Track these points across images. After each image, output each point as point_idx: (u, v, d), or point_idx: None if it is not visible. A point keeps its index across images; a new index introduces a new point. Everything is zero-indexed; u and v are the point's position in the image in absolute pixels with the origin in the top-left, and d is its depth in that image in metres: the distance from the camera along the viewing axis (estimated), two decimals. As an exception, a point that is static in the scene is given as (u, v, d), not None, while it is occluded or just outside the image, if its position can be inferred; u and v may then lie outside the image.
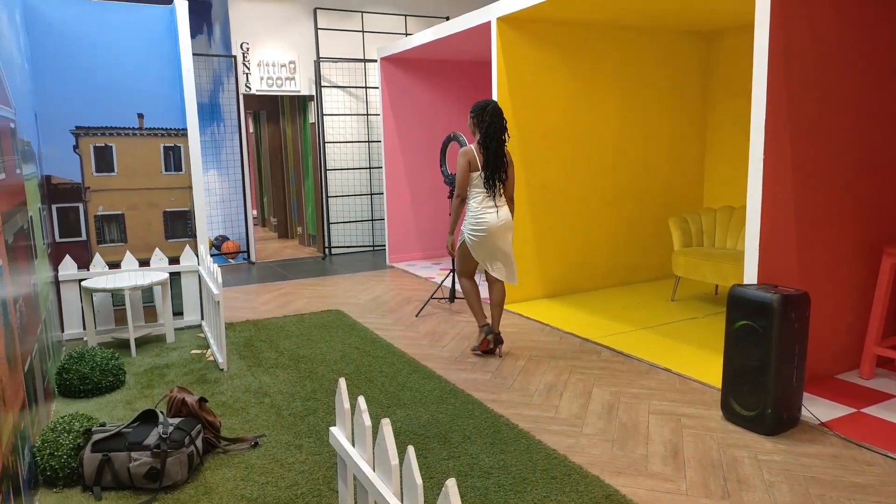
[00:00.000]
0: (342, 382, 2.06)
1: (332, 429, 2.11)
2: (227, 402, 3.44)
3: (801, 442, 2.91)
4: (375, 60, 7.76)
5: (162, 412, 2.77)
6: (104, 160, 4.70)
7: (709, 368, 3.81)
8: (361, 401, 1.86)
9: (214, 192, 7.98)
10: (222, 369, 3.92)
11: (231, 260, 7.84)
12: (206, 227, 4.95)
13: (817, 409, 3.19)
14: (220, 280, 3.88)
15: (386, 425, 1.69)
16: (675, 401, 3.40)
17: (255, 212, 11.23)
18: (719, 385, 3.54)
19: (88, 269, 4.60)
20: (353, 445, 1.97)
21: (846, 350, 3.68)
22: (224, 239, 7.92)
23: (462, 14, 5.69)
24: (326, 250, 8.11)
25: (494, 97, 5.25)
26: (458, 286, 5.69)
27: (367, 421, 1.84)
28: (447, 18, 8.39)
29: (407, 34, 8.25)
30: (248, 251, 7.85)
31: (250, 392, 3.58)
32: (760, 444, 2.90)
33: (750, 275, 3.28)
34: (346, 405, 2.05)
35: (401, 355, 4.18)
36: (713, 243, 5.44)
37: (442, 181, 5.34)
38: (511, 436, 3.00)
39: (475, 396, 3.49)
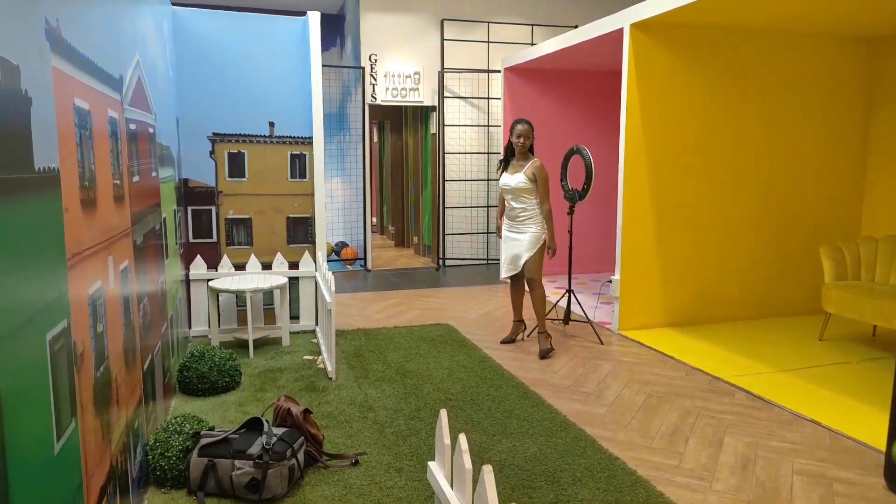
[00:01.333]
0: (443, 415, 1.90)
1: (431, 464, 1.95)
2: (333, 414, 3.41)
3: None
4: (499, 71, 7.64)
5: (267, 421, 2.76)
6: (237, 166, 4.92)
7: (866, 424, 3.28)
8: (463, 440, 1.69)
9: (337, 199, 8.21)
10: (331, 378, 3.92)
11: (349, 266, 8.02)
12: (324, 234, 5.04)
13: None
14: (333, 288, 3.88)
15: (488, 473, 1.51)
16: (824, 460, 2.94)
17: (374, 220, 11.50)
18: (880, 445, 3.02)
19: (217, 270, 4.82)
20: (452, 487, 1.80)
21: None
22: (344, 245, 8.12)
23: (591, 22, 5.42)
24: (440, 261, 8.08)
25: (623, 108, 4.93)
26: (573, 307, 5.40)
27: (468, 463, 1.67)
28: (575, 27, 8.12)
29: (533, 44, 8.06)
30: (364, 258, 7.99)
31: (355, 405, 3.54)
32: (938, 529, 2.41)
33: (930, 321, 2.76)
34: (447, 440, 1.88)
35: (509, 378, 3.98)
36: (872, 277, 4.76)
37: (562, 196, 5.10)
38: (628, 483, 2.71)
39: (588, 432, 3.21)
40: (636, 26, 4.82)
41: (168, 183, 3.87)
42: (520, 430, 3.23)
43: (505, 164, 4.55)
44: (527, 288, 4.59)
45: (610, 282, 5.24)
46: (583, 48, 5.76)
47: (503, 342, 4.75)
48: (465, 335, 4.95)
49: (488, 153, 8.16)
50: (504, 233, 4.61)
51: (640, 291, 5.10)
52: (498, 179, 4.60)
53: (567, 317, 5.17)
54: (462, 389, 3.79)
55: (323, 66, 7.93)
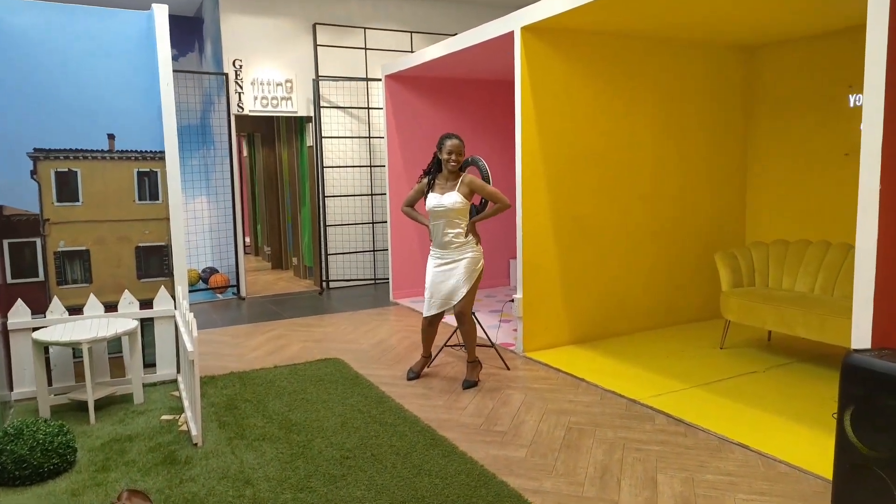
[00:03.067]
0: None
1: None
2: (198, 497, 2.72)
3: (950, 561, 2.20)
4: (379, 79, 7.16)
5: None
6: (67, 188, 4.04)
7: (793, 444, 3.11)
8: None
9: (203, 220, 7.31)
10: (196, 445, 3.21)
11: (219, 295, 7.14)
12: (185, 264, 4.27)
13: (954, 508, 2.48)
14: (195, 332, 3.18)
15: None
16: (765, 493, 2.70)
17: (247, 240, 10.57)
18: (813, 468, 2.85)
19: (45, 316, 3.91)
20: None
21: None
22: (213, 271, 7.23)
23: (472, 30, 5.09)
24: (324, 284, 7.42)
25: (518, 116, 4.62)
26: (485, 332, 5.00)
27: None
28: (455, 35, 7.82)
29: (412, 51, 7.67)
30: (237, 285, 7.15)
31: (228, 479, 2.86)
32: (897, 565, 2.19)
33: (861, 336, 2.60)
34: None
35: (414, 422, 3.47)
36: (766, 283, 4.77)
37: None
38: (567, 551, 2.29)
39: (511, 485, 2.78)
40: (527, 30, 4.53)
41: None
42: (433, 490, 2.73)
43: (430, 184, 4.07)
44: (455, 322, 4.18)
45: (512, 301, 4.90)
46: (472, 54, 5.42)
47: (409, 378, 4.23)
48: (357, 370, 4.38)
49: (371, 166, 7.64)
50: (433, 266, 4.05)
51: (544, 309, 4.80)
52: (421, 199, 4.14)
53: (468, 341, 4.75)
54: (360, 442, 3.22)
55: (179, 71, 7.08)
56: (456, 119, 6.94)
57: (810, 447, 3.05)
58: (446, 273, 4.00)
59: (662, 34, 4.94)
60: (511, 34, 4.64)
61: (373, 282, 7.71)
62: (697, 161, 5.45)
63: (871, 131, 2.56)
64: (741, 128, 5.66)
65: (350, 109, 7.54)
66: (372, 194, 7.67)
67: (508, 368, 4.41)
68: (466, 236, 3.99)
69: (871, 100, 2.56)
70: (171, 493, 2.72)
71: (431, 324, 4.19)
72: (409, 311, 6.31)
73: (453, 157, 3.95)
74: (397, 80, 6.68)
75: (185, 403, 3.61)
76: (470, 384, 4.05)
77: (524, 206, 4.64)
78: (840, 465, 2.44)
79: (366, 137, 7.62)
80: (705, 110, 5.44)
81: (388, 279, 7.36)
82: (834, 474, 2.46)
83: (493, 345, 4.70)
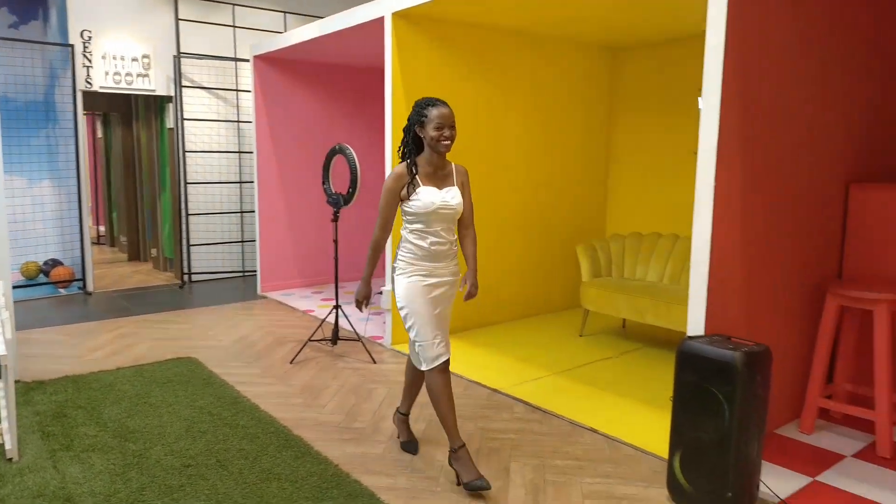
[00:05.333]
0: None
1: None
2: (5, 518, 2.39)
3: (766, 530, 2.39)
4: (248, 60, 6.78)
5: None
6: None
7: (639, 426, 3.26)
8: None
9: (47, 206, 6.58)
10: (11, 459, 2.83)
11: (62, 290, 6.47)
12: (7, 256, 3.78)
13: (772, 480, 2.70)
14: (8, 332, 2.80)
15: None
16: (609, 476, 2.79)
17: (101, 229, 9.70)
18: (653, 449, 2.99)
19: None
20: None
21: (784, 401, 3.27)
22: (55, 263, 6.53)
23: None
24: (185, 277, 6.94)
25: (388, 104, 4.51)
26: (351, 325, 4.87)
27: None
28: (331, 19, 7.57)
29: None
30: (83, 278, 6.51)
31: (45, 497, 2.55)
32: (721, 538, 2.34)
33: (696, 324, 2.75)
34: None
35: (268, 423, 3.29)
36: (622, 273, 5.01)
37: (325, 200, 4.57)
38: (414, 549, 2.24)
39: (365, 484, 2.69)
40: (399, 16, 4.43)
41: None
42: (281, 495, 2.58)
43: (412, 175, 2.71)
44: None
45: (381, 293, 4.80)
46: (344, 38, 5.24)
47: (412, 452, 3.00)
48: (212, 370, 4.10)
49: (240, 152, 7.23)
50: (426, 293, 2.70)
51: (412, 301, 4.74)
52: (402, 196, 2.71)
53: (335, 336, 4.60)
54: (205, 448, 3.00)
55: (16, 40, 6.30)
56: (329, 105, 6.73)
57: (652, 429, 3.21)
58: (443, 297, 2.76)
59: (532, 31, 5.03)
60: (382, 19, 4.52)
61: (241, 274, 7.31)
62: (565, 155, 5.62)
63: (708, 132, 2.71)
64: (605, 125, 5.91)
65: (216, 91, 7.08)
66: (241, 182, 7.26)
67: (375, 362, 4.32)
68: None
69: (708, 103, 2.70)
70: (-30, 517, 2.38)
71: (445, 371, 2.72)
72: (278, 304, 6.04)
73: (446, 132, 2.65)
74: (267, 62, 6.35)
75: (1, 414, 3.19)
76: (476, 485, 2.57)
77: (393, 196, 4.54)
78: (674, 446, 2.57)
79: (234, 121, 7.20)
80: (573, 107, 5.62)
81: (255, 271, 7.02)
82: (669, 455, 2.59)
83: (360, 338, 4.58)
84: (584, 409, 3.48)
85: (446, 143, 2.66)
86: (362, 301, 2.85)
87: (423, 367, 2.72)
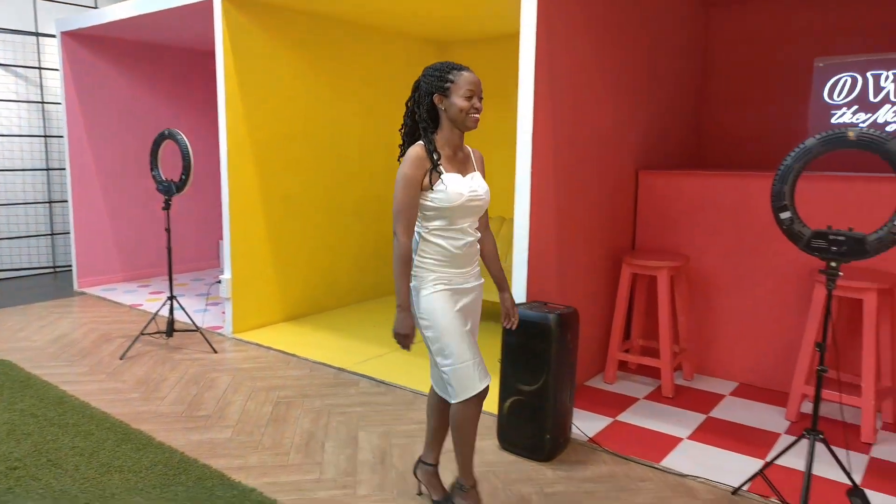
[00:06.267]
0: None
1: None
2: None
3: (578, 465, 2.81)
4: (54, 36, 6.17)
5: None
6: None
7: (473, 390, 3.61)
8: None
9: None
10: None
11: None
12: None
13: (582, 423, 3.17)
14: None
15: None
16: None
17: None
18: (487, 408, 3.34)
19: None
20: None
21: (591, 358, 3.81)
22: None
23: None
24: (-15, 275, 6.19)
25: (221, 91, 4.42)
26: (189, 316, 4.71)
27: None
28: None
29: (96, 7, 6.76)
30: None
31: None
32: (542, 474, 2.72)
33: (519, 292, 3.13)
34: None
35: (102, 419, 3.15)
36: (456, 255, 5.38)
37: (154, 187, 4.36)
38: (269, 517, 2.34)
39: (214, 466, 2.72)
40: (228, 1, 4.35)
41: None
42: (124, 486, 2.53)
43: (434, 160, 2.18)
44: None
45: (219, 282, 4.71)
46: (167, 18, 4.99)
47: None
48: (30, 371, 3.78)
49: (46, 136, 6.55)
50: (454, 304, 2.17)
51: (254, 289, 4.72)
52: (425, 185, 2.18)
53: (170, 328, 4.44)
54: (33, 449, 2.81)
55: None
56: (154, 88, 6.34)
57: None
58: (472, 309, 2.27)
59: (362, 21, 5.17)
60: (210, 2, 4.40)
61: (51, 270, 6.66)
62: (397, 145, 5.86)
63: (524, 128, 3.08)
64: (436, 117, 6.23)
65: (14, 68, 6.35)
66: (48, 169, 6.59)
67: (216, 352, 4.25)
68: None
69: (523, 96, 3.07)
70: None
71: (482, 401, 2.22)
72: (99, 300, 5.63)
73: (477, 103, 2.15)
74: (78, 39, 5.83)
75: None
76: None
77: (231, 185, 4.48)
78: (502, 402, 2.92)
79: (38, 102, 6.50)
80: (404, 98, 5.86)
81: (70, 266, 6.45)
82: (498, 410, 2.94)
83: (198, 329, 4.47)
84: (424, 379, 3.75)
85: (477, 116, 2.15)
86: (410, 336, 2.13)
87: (459, 399, 2.14)
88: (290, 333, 4.67)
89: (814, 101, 4.30)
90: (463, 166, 2.23)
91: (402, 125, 2.33)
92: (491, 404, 3.28)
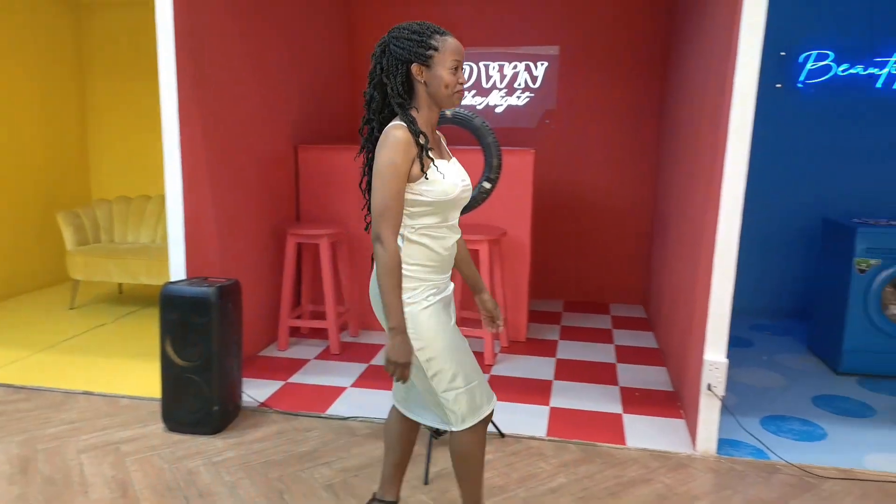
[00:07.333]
0: None
1: None
2: None
3: (248, 429, 2.92)
4: None
5: None
6: None
7: (139, 379, 3.41)
8: None
9: None
10: None
11: None
12: None
13: (254, 390, 3.27)
14: None
15: None
16: (107, 428, 2.89)
17: None
18: (152, 394, 3.22)
19: None
20: None
21: (264, 328, 3.92)
22: None
23: None
24: None
25: None
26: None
27: None
28: None
29: None
30: None
31: None
32: (212, 445, 2.76)
33: (177, 270, 3.06)
34: None
35: None
36: (112, 238, 4.92)
37: None
38: None
39: None
40: None
41: None
42: None
43: (422, 145, 1.72)
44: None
45: None
46: None
47: None
48: None
49: None
50: (446, 318, 1.84)
51: None
52: (415, 175, 1.72)
53: None
54: None
55: None
56: None
57: (150, 378, 3.39)
58: (452, 317, 1.93)
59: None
60: None
61: None
62: (30, 118, 5.06)
63: (168, 97, 2.98)
64: (77, 85, 5.53)
65: None
66: None
67: None
68: None
69: (164, 69, 2.96)
70: None
71: (486, 425, 1.91)
72: None
73: (461, 77, 1.76)
74: None
75: None
76: None
77: None
78: (166, 381, 2.85)
79: None
80: (34, 65, 5.06)
81: None
82: (162, 391, 2.86)
83: None
84: (77, 378, 3.41)
85: (460, 90, 1.77)
86: (409, 365, 1.73)
87: (466, 425, 1.84)
88: None
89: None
90: (442, 151, 1.86)
91: (368, 101, 1.80)
92: (153, 388, 3.17)
